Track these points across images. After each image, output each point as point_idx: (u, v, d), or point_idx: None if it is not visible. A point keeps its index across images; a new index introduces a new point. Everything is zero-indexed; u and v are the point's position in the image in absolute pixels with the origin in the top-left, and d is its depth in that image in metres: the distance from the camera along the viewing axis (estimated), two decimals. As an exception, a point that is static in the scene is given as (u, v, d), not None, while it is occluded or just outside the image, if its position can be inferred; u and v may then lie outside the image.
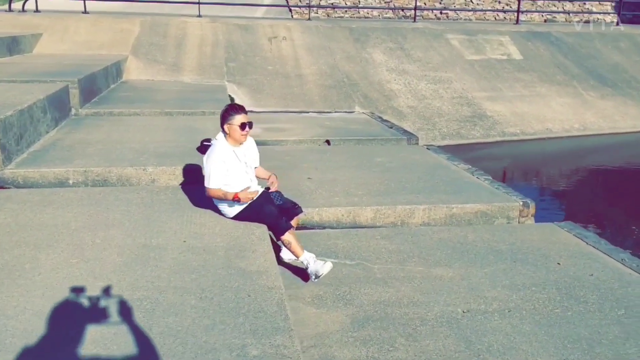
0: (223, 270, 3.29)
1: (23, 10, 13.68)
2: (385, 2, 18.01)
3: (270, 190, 4.40)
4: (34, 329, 2.61)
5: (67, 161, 5.27)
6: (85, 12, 13.41)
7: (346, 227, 5.40)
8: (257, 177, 4.52)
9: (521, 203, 5.77)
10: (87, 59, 10.30)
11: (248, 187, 4.21)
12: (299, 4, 17.36)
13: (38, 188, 4.90)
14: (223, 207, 4.26)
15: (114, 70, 10.32)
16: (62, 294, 2.94)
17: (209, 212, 4.30)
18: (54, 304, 2.83)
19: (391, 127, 9.34)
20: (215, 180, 4.11)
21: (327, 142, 8.20)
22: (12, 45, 10.55)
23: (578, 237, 5.10)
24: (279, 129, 8.80)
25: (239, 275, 3.25)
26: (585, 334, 3.55)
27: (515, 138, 10.89)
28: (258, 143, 7.88)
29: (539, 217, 5.87)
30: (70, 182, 5.09)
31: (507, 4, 17.97)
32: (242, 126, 4.17)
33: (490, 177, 6.63)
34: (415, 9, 14.92)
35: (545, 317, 3.72)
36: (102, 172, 5.15)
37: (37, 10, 13.31)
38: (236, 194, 4.07)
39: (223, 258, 3.47)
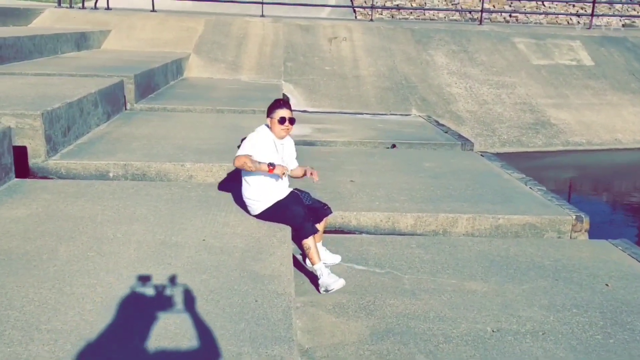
0: (235, 273, 3.20)
1: (95, 7, 14.22)
2: (452, 5, 17.58)
3: (301, 190, 4.29)
4: (34, 322, 2.60)
5: (109, 154, 5.35)
6: (153, 10, 13.75)
7: (385, 233, 5.23)
8: (291, 176, 4.41)
9: (574, 217, 5.40)
10: (149, 55, 10.54)
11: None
12: (364, 4, 17.20)
13: (79, 179, 4.99)
14: (251, 202, 4.17)
15: (174, 68, 10.51)
16: (70, 287, 2.94)
17: (235, 211, 4.24)
18: (59, 297, 2.82)
19: (446, 132, 9.04)
20: (245, 149, 4.00)
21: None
22: (81, 40, 10.94)
23: (633, 257, 4.72)
24: (328, 130, 8.69)
25: (251, 278, 3.15)
26: (626, 365, 3.24)
27: (580, 148, 10.33)
28: (305, 143, 7.88)
29: (597, 234, 5.47)
30: (111, 175, 5.17)
31: (581, 8, 17.15)
32: (281, 120, 4.10)
33: (544, 188, 6.26)
34: (482, 11, 14.45)
35: (583, 343, 3.43)
36: (141, 166, 5.19)
37: (108, 8, 13.79)
38: (271, 163, 3.94)
39: (238, 259, 3.38)
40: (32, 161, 5.02)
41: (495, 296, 3.95)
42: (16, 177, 4.81)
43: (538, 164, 9.53)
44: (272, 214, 4.09)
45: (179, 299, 2.89)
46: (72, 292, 2.90)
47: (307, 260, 4.16)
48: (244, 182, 4.20)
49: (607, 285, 4.19)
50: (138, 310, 2.78)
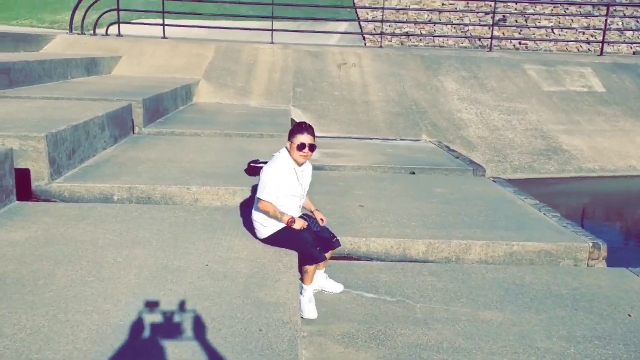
0: (239, 300, 3.05)
1: (106, 34, 14.34)
2: (462, 32, 17.61)
3: (309, 216, 4.16)
4: (25, 351, 2.46)
5: (114, 177, 5.26)
6: (164, 37, 13.84)
7: (395, 260, 5.06)
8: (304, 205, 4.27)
9: (591, 244, 5.22)
10: (159, 81, 10.54)
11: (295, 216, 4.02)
12: (373, 32, 17.25)
13: (82, 203, 4.89)
14: (259, 225, 4.04)
15: (184, 93, 10.50)
16: (65, 314, 2.80)
17: (240, 235, 4.10)
18: (52, 324, 2.68)
19: (457, 157, 8.90)
20: (268, 192, 3.89)
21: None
22: (91, 66, 10.97)
23: (655, 286, 4.52)
24: (337, 155, 8.58)
25: (255, 306, 3.00)
26: (653, 402, 3.03)
27: (593, 174, 10.14)
28: (314, 167, 7.72)
29: (614, 261, 5.28)
30: (115, 198, 5.06)
31: (591, 35, 17.11)
32: (301, 146, 3.93)
33: (558, 214, 6.09)
34: (491, 37, 14.42)
35: (606, 378, 3.23)
36: (146, 189, 5.09)
37: (119, 35, 13.89)
38: (292, 217, 3.88)
39: (242, 285, 3.23)
40: (35, 184, 4.93)
41: (512, 326, 3.77)
42: (18, 199, 4.71)
43: (551, 190, 9.35)
44: (279, 239, 3.95)
45: (178, 327, 2.74)
46: (67, 320, 2.76)
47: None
48: (255, 206, 4.07)
49: (629, 315, 3.99)
50: (134, 339, 2.63)
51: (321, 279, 4.14)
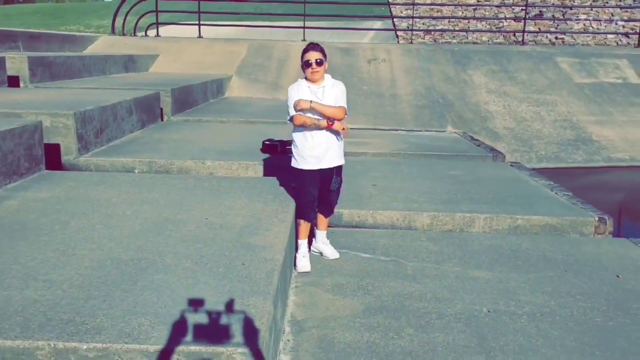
0: (229, 243, 3.34)
1: (145, 35, 14.99)
2: (496, 28, 17.56)
3: (337, 175, 4.25)
4: (33, 273, 2.81)
5: (137, 153, 5.65)
6: (199, 36, 14.36)
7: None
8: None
9: (597, 218, 5.28)
10: (192, 76, 10.99)
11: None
12: (406, 28, 17.40)
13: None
14: (294, 152, 4.14)
15: (214, 87, 10.92)
16: (73, 250, 3.14)
17: (244, 197, 4.39)
18: (60, 256, 3.03)
19: (479, 146, 8.99)
20: (290, 109, 4.02)
21: None
22: (129, 63, 11.54)
23: (652, 254, 4.58)
24: (360, 143, 8.79)
25: (244, 247, 3.28)
26: (622, 345, 3.16)
27: (622, 164, 10.03)
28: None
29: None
30: (136, 171, 5.44)
31: (631, 28, 16.80)
32: (306, 64, 3.94)
33: (570, 194, 6.13)
34: (523, 31, 14.38)
35: (580, 325, 3.36)
36: (164, 163, 5.45)
37: (157, 35, 14.50)
38: (330, 119, 3.93)
39: (236, 233, 3.52)
40: (64, 158, 5.36)
41: (498, 283, 3.93)
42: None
43: (578, 180, 9.32)
44: (295, 177, 4.17)
45: (170, 261, 3.04)
46: (74, 254, 3.10)
47: (311, 247, 4.28)
48: (298, 137, 4.11)
49: (618, 276, 4.09)
50: (130, 268, 2.94)
51: (320, 242, 4.34)
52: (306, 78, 4.07)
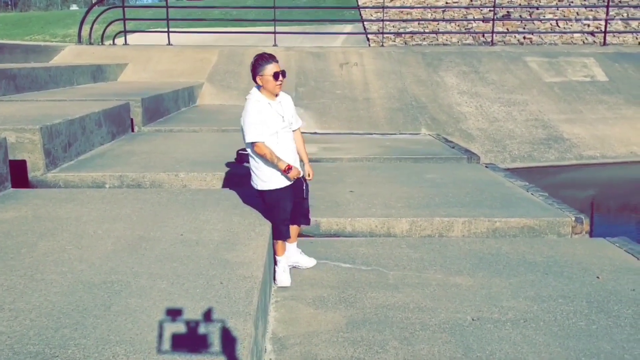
0: (206, 261, 3.23)
1: (113, 43, 14.72)
2: (465, 29, 17.69)
3: (306, 182, 4.11)
4: (-1, 302, 2.67)
5: (107, 167, 5.49)
6: (169, 44, 14.16)
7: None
8: (297, 151, 4.10)
9: (573, 218, 5.30)
10: (162, 85, 10.80)
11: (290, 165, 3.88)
12: (376, 32, 17.42)
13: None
14: (254, 175, 3.95)
15: (186, 95, 10.76)
16: (41, 274, 3.00)
17: (220, 210, 4.28)
18: (28, 282, 2.89)
19: (453, 147, 9.01)
20: (253, 131, 3.76)
21: None
22: (97, 73, 11.30)
23: (629, 253, 4.60)
24: (335, 148, 8.74)
25: (220, 265, 3.18)
26: (606, 348, 3.13)
27: (593, 161, 10.16)
28: (312, 160, 7.88)
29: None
30: (107, 186, 5.28)
31: (596, 27, 17.09)
32: (275, 76, 3.76)
33: (546, 194, 6.16)
34: (492, 32, 14.49)
35: (564, 329, 3.34)
36: (136, 177, 5.30)
37: (125, 44, 14.25)
38: (289, 165, 3.78)
39: (212, 250, 3.41)
40: (31, 174, 5.17)
41: (480, 289, 3.89)
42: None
43: (551, 179, 9.39)
44: (270, 197, 3.94)
45: (144, 282, 2.92)
46: (42, 279, 2.96)
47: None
48: (255, 161, 3.94)
49: (597, 277, 4.08)
50: (102, 292, 2.82)
51: (294, 254, 4.21)
52: (260, 90, 3.87)
